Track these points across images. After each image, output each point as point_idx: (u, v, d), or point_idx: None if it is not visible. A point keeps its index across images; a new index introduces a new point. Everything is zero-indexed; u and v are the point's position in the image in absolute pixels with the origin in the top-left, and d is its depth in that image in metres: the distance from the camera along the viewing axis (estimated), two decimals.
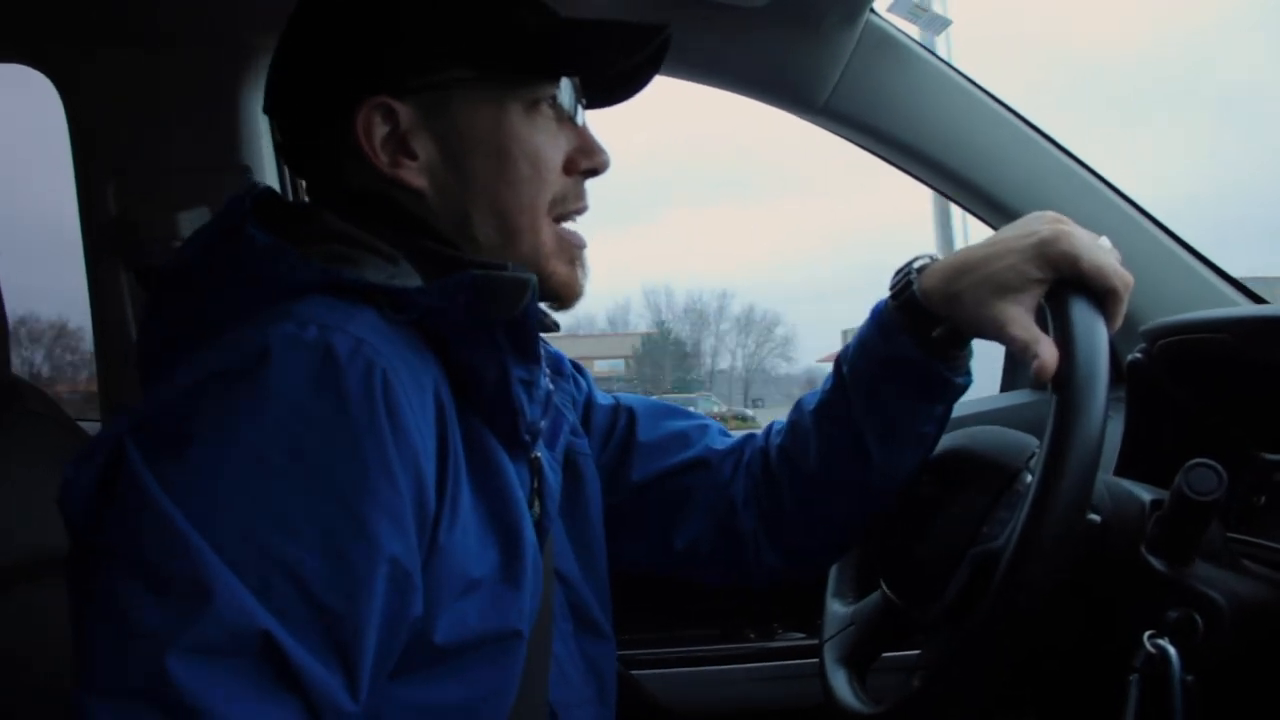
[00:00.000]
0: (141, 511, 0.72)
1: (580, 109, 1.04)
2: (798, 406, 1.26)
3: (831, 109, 1.67)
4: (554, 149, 1.00)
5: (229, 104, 1.76)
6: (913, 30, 1.66)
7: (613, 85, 1.09)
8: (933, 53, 1.65)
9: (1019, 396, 1.87)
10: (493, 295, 0.86)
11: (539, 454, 1.02)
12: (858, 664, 1.21)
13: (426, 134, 0.96)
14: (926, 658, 1.05)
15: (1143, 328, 1.38)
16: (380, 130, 0.94)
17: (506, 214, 0.98)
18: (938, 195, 1.88)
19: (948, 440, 1.20)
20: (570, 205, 1.03)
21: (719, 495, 1.25)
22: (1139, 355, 1.39)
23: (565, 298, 1.03)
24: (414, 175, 0.96)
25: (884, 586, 1.17)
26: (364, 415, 0.76)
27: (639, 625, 1.78)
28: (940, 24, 1.62)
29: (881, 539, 1.20)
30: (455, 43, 0.96)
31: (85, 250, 1.81)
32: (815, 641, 1.60)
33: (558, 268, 1.01)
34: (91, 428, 1.80)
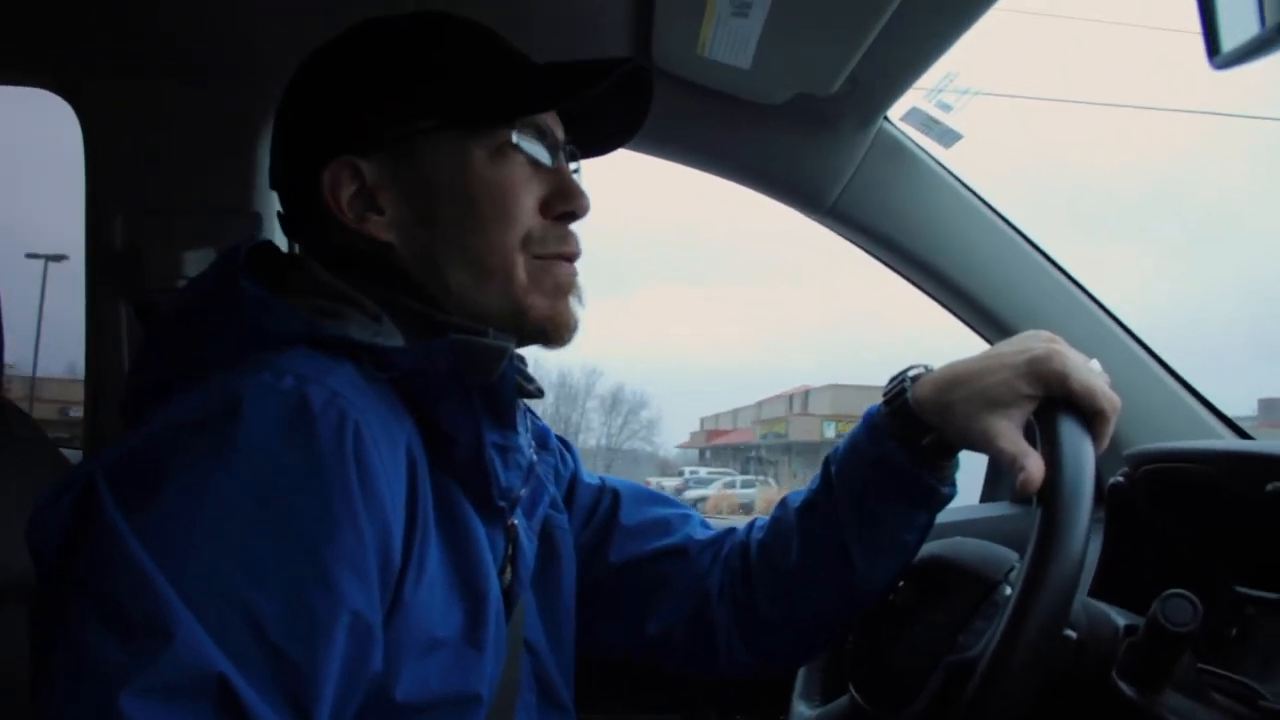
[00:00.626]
0: (110, 552, 0.72)
1: (562, 155, 1.04)
2: (782, 504, 1.26)
3: (839, 210, 1.70)
4: (524, 191, 0.99)
5: (247, 147, 1.77)
6: (925, 141, 1.69)
7: (604, 133, 1.11)
8: (942, 165, 1.68)
9: (998, 509, 1.88)
10: (471, 360, 0.88)
11: (515, 521, 1.02)
12: None
13: (392, 188, 0.97)
14: None
15: (1126, 452, 1.39)
16: (348, 189, 0.96)
17: (475, 256, 0.97)
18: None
19: (927, 549, 1.20)
20: (551, 247, 1.01)
21: (695, 585, 1.24)
22: (1121, 479, 1.40)
23: (553, 332, 1.01)
24: (381, 230, 0.97)
25: (853, 691, 1.17)
26: (334, 466, 0.77)
27: (603, 706, 1.76)
28: (951, 137, 1.64)
29: (853, 643, 1.20)
30: (414, 95, 0.98)
31: (87, 280, 1.81)
32: None
33: (536, 301, 0.99)
34: (75, 455, 1.79)
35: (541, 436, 1.19)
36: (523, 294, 0.99)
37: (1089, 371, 1.05)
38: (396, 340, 0.92)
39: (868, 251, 1.75)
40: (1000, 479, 1.93)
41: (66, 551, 0.74)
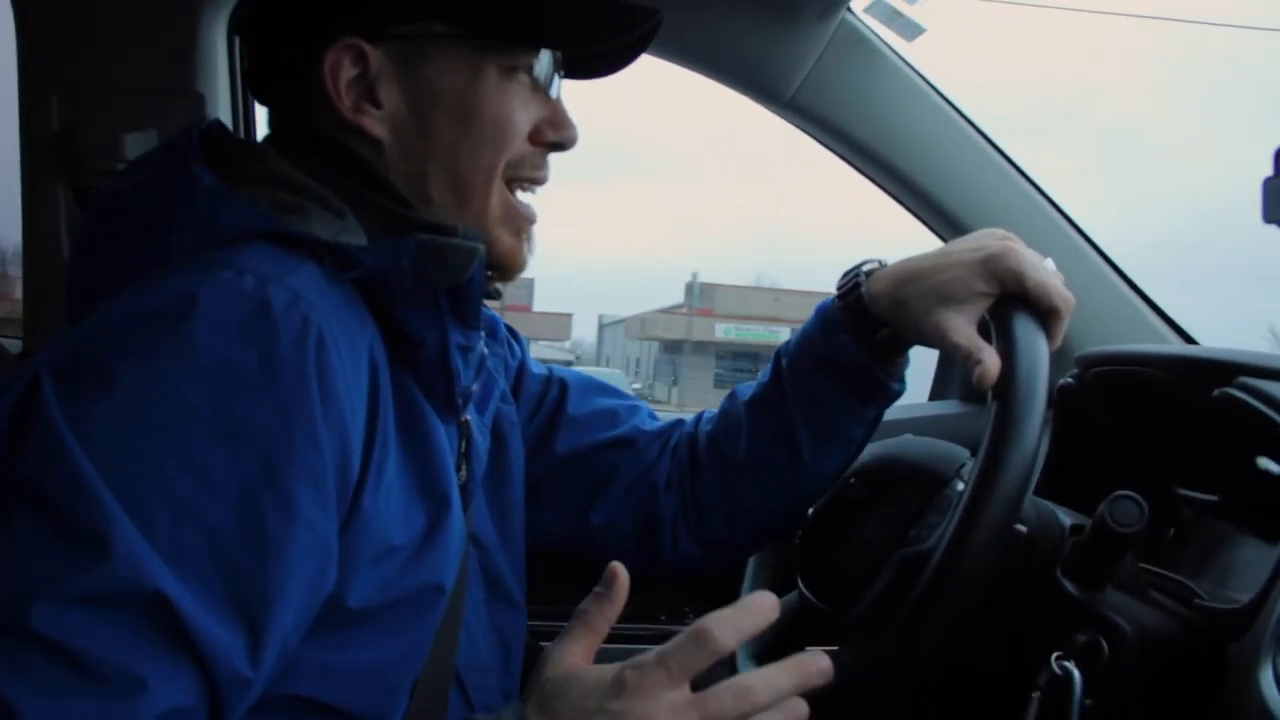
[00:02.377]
0: (51, 453, 0.69)
1: (557, 80, 1.02)
2: (731, 396, 1.27)
3: (797, 103, 1.67)
4: (523, 117, 0.97)
5: (187, 25, 1.71)
6: (887, 34, 1.66)
7: (596, 60, 1.06)
8: (904, 60, 1.65)
9: (947, 407, 1.90)
10: (440, 261, 0.85)
11: (469, 417, 1.01)
12: (770, 662, 1.22)
13: (395, 84, 0.93)
14: (845, 656, 1.07)
15: (1077, 354, 1.41)
16: (348, 73, 0.91)
17: (462, 174, 0.95)
18: None
19: (877, 447, 1.21)
20: (526, 171, 1.00)
21: (642, 477, 1.25)
22: (1070, 380, 1.41)
23: (506, 268, 1.01)
24: (376, 124, 0.93)
25: (801, 586, 1.18)
26: (293, 375, 0.74)
27: (550, 597, 1.77)
28: (914, 30, 1.62)
29: (802, 540, 1.21)
30: None
31: (22, 163, 1.76)
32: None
33: (502, 235, 0.98)
34: (15, 345, 1.75)
35: (491, 326, 1.17)
36: (491, 225, 0.97)
37: (1044, 269, 1.06)
38: (360, 238, 0.87)
39: (826, 146, 1.72)
40: (949, 377, 1.95)
41: (8, 450, 0.71)
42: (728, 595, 1.67)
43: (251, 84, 1.01)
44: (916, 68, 1.67)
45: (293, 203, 0.86)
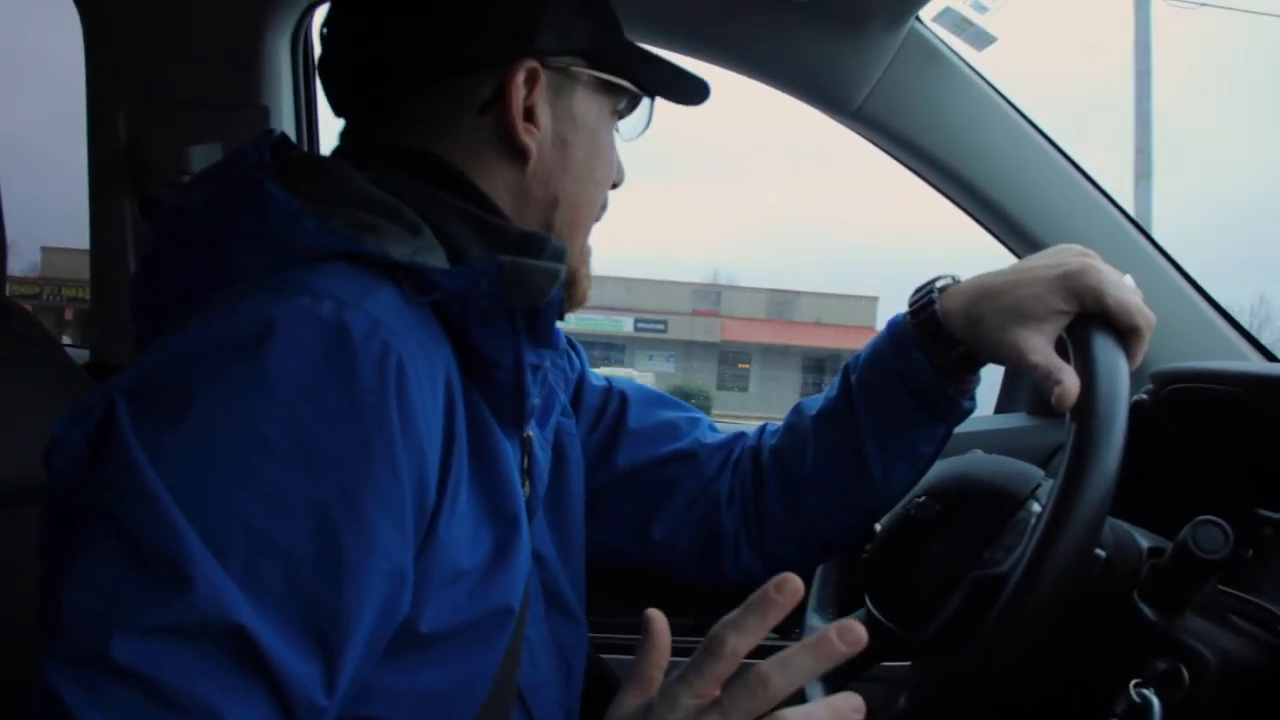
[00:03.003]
0: (128, 481, 0.68)
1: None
2: (797, 409, 1.26)
3: (865, 113, 1.65)
4: (614, 158, 1.05)
5: (253, 38, 1.73)
6: (957, 44, 1.63)
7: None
8: (974, 69, 1.62)
9: (1014, 420, 1.88)
10: (518, 282, 0.84)
11: (531, 433, 1.00)
12: (834, 680, 1.20)
13: (549, 109, 0.96)
14: (917, 678, 1.05)
15: (1152, 370, 1.38)
16: (520, 91, 0.93)
17: (581, 207, 1.00)
18: None
19: (947, 465, 1.19)
20: (601, 215, 1.06)
21: (703, 491, 1.24)
22: (1145, 397, 1.38)
23: (573, 304, 1.02)
24: (534, 143, 0.95)
25: (869, 605, 1.16)
26: (373, 403, 0.73)
27: (611, 608, 1.77)
28: (984, 39, 1.60)
29: (870, 557, 1.19)
30: (585, 31, 0.97)
31: (90, 175, 1.79)
32: (788, 644, 1.58)
33: (582, 274, 1.03)
34: (79, 354, 1.77)
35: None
36: (578, 263, 1.01)
37: (1123, 287, 1.03)
38: (437, 255, 0.86)
39: (894, 157, 1.70)
40: (1015, 390, 1.93)
41: (85, 477, 0.71)
42: (792, 610, 1.64)
43: (349, 97, 0.98)
44: (987, 77, 1.64)
45: (367, 221, 0.84)
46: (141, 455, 0.69)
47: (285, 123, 1.79)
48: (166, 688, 0.65)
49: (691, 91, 1.07)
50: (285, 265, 0.78)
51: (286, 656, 0.69)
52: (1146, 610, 1.01)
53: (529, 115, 0.94)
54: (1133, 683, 0.97)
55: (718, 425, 1.32)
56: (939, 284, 1.13)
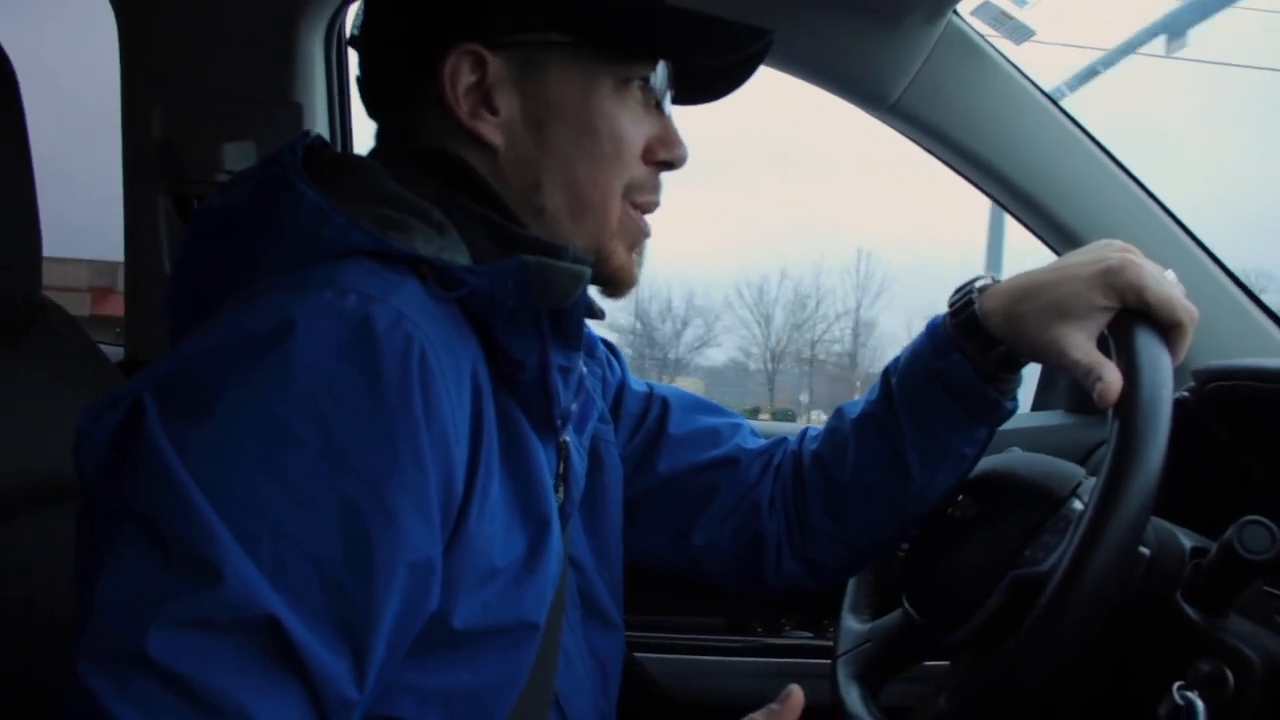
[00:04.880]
0: (156, 476, 0.69)
1: (668, 98, 1.00)
2: (838, 414, 1.24)
3: (901, 108, 1.63)
4: (637, 132, 0.96)
5: (286, 36, 1.73)
6: (995, 37, 1.61)
7: (705, 82, 1.04)
8: (1013, 63, 1.61)
9: (1051, 418, 1.86)
10: (544, 282, 0.83)
11: (567, 438, 1.00)
12: (872, 681, 1.20)
13: (513, 91, 0.92)
14: (955, 678, 1.04)
15: (1193, 368, 1.36)
16: (467, 79, 0.91)
17: (579, 187, 0.94)
18: None
19: (986, 463, 1.18)
20: (644, 195, 0.99)
21: (744, 497, 1.23)
22: (1186, 394, 1.37)
23: (619, 284, 0.99)
24: (492, 130, 0.92)
25: (906, 605, 1.16)
26: (397, 395, 0.73)
27: (647, 608, 1.77)
28: (1023, 33, 1.57)
29: (907, 557, 1.18)
30: (557, 4, 0.92)
31: (125, 171, 1.80)
32: (822, 643, 1.58)
33: (618, 249, 0.97)
34: (113, 352, 1.78)
35: (589, 346, 1.16)
36: (609, 238, 0.96)
37: (1165, 282, 1.02)
38: (463, 254, 0.86)
39: (930, 152, 1.68)
40: (1052, 388, 1.91)
41: (112, 471, 0.71)
42: (825, 610, 1.64)
43: (367, 97, 1.00)
44: (1026, 72, 1.62)
45: (395, 218, 0.84)
46: (170, 451, 0.69)
47: (319, 120, 1.79)
48: (200, 683, 0.65)
49: (727, 47, 0.98)
50: (313, 262, 0.79)
51: (317, 649, 0.69)
52: (1189, 611, 0.99)
53: (486, 101, 0.92)
54: (1176, 685, 0.96)
55: (758, 431, 1.32)
56: (978, 284, 1.12)
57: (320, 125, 1.80)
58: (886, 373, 1.19)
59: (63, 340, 1.18)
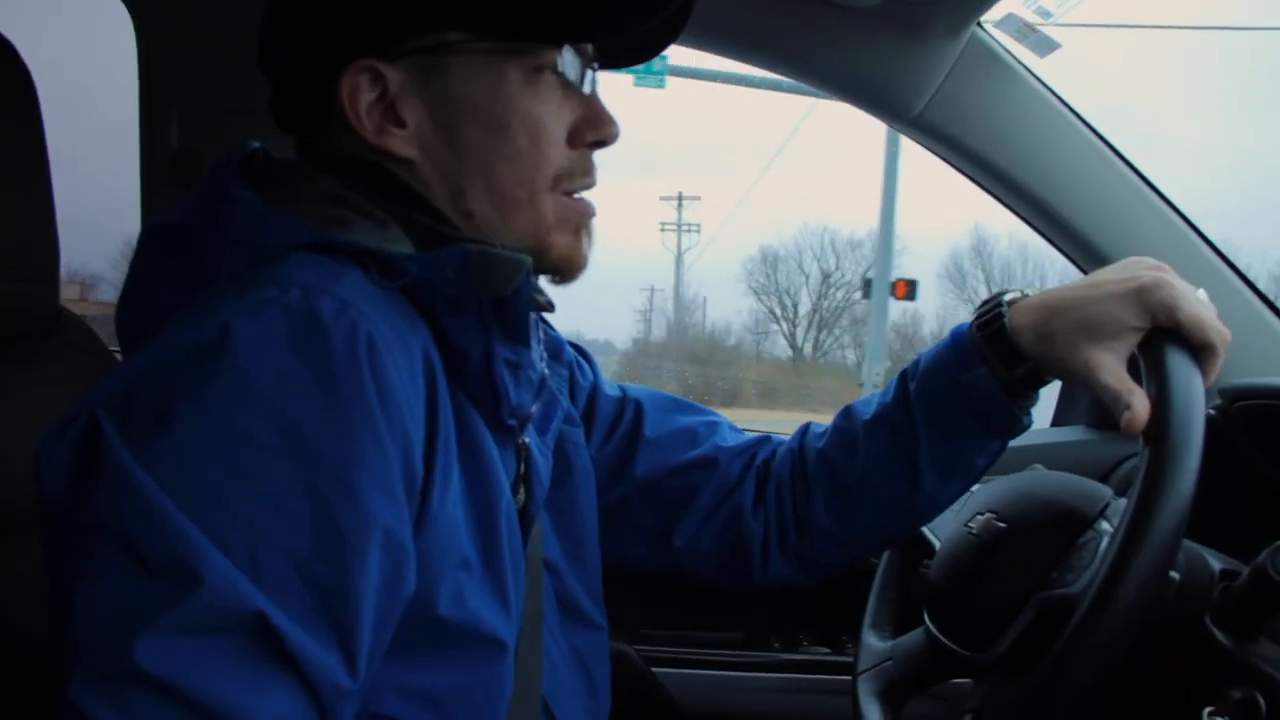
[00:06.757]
0: (123, 491, 0.69)
1: (591, 75, 0.98)
2: (846, 413, 1.24)
3: (924, 121, 1.62)
4: (556, 121, 0.93)
5: None
6: (1020, 50, 1.60)
7: (631, 47, 1.03)
8: (1038, 77, 1.59)
9: (1073, 433, 1.86)
10: (484, 271, 0.83)
11: (528, 440, 0.99)
12: (894, 700, 1.18)
13: (417, 101, 0.90)
14: (979, 700, 1.03)
15: (1221, 386, 1.35)
16: (367, 95, 0.89)
17: (502, 188, 0.92)
18: None
19: (1012, 482, 1.17)
20: (577, 181, 0.96)
21: (725, 497, 1.23)
22: (1213, 412, 1.35)
23: (567, 270, 0.98)
24: (402, 144, 0.90)
25: (928, 623, 1.14)
26: (349, 380, 0.73)
27: (660, 622, 1.76)
28: (1047, 46, 1.56)
29: (930, 575, 1.17)
30: (449, 3, 0.89)
31: (142, 179, 1.81)
32: (840, 659, 1.57)
33: (558, 239, 0.95)
34: None
35: (555, 348, 1.15)
36: (546, 232, 0.94)
37: (1198, 302, 1.01)
38: (405, 245, 0.87)
39: (953, 166, 1.67)
40: (1073, 403, 1.90)
41: (77, 492, 0.71)
42: (843, 625, 1.62)
43: (278, 118, 0.98)
44: (1051, 85, 1.61)
45: (336, 215, 0.86)
46: (134, 465, 0.69)
47: None
48: (197, 688, 0.66)
49: (632, 17, 0.93)
50: (256, 264, 0.79)
51: (305, 640, 0.69)
52: (1219, 635, 0.98)
53: (391, 115, 0.90)
54: (1206, 710, 0.95)
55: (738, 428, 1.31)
56: (1007, 297, 1.11)
57: None
58: (904, 376, 1.19)
59: (82, 354, 1.18)
